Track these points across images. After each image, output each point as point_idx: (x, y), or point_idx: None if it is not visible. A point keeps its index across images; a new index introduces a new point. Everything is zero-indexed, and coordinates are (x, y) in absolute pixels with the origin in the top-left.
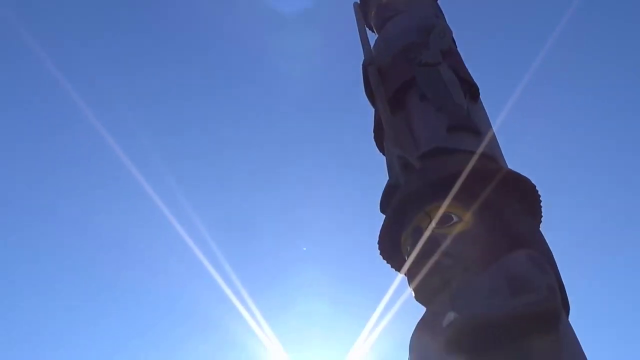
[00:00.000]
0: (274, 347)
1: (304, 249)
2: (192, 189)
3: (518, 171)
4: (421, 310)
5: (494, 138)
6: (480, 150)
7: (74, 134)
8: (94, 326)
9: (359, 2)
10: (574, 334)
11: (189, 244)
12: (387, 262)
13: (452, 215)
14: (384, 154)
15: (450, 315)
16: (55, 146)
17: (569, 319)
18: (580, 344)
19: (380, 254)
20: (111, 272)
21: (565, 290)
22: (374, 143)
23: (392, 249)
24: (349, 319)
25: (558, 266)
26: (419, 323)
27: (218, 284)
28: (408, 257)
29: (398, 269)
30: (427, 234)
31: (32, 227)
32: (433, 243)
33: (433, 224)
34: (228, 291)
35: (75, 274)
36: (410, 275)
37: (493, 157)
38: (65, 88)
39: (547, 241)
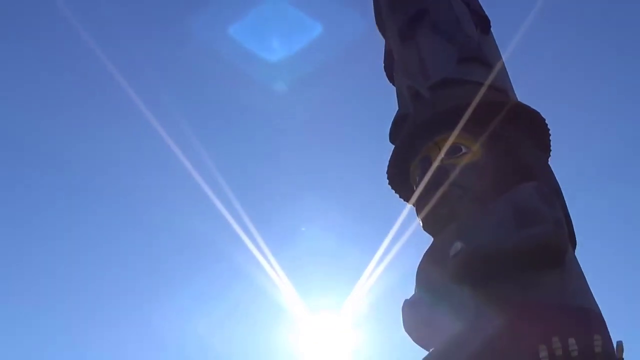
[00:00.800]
0: (280, 279)
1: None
2: (199, 123)
3: (528, 104)
4: (429, 241)
5: (504, 70)
6: (489, 81)
7: (83, 72)
8: (100, 259)
9: None
10: (580, 268)
11: (194, 176)
12: (396, 192)
13: (461, 146)
14: (394, 85)
15: (457, 245)
16: (65, 83)
17: (575, 253)
18: (586, 278)
19: (389, 183)
20: (118, 204)
21: (572, 225)
22: (384, 73)
23: (400, 179)
24: (356, 251)
25: (565, 200)
26: (425, 253)
27: (223, 214)
28: (417, 187)
29: (406, 199)
30: (436, 164)
31: (44, 167)
32: (442, 173)
33: (442, 154)
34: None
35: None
36: (418, 206)
37: (503, 89)
38: (72, 23)
39: (556, 175)
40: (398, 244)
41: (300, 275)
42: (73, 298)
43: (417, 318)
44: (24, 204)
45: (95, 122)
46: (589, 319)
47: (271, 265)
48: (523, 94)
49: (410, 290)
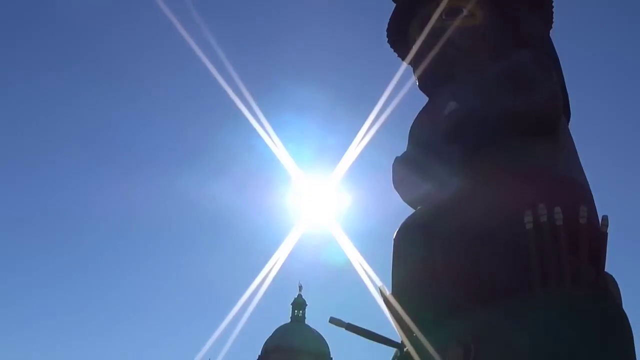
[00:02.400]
0: (271, 140)
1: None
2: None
3: None
4: (424, 101)
5: None
6: None
7: None
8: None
9: None
10: (572, 140)
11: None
12: (394, 51)
13: (463, 9)
14: None
15: (452, 105)
16: None
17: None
18: (578, 153)
19: (388, 41)
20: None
21: (567, 98)
22: None
23: (399, 37)
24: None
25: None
26: (420, 112)
27: (210, 72)
28: (414, 45)
29: (403, 58)
30: (436, 23)
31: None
32: (440, 32)
33: (443, 14)
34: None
35: None
36: (415, 64)
37: None
38: None
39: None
40: (393, 103)
41: (293, 136)
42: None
43: (406, 174)
44: None
45: None
46: (576, 190)
47: (267, 133)
48: None
49: (403, 149)
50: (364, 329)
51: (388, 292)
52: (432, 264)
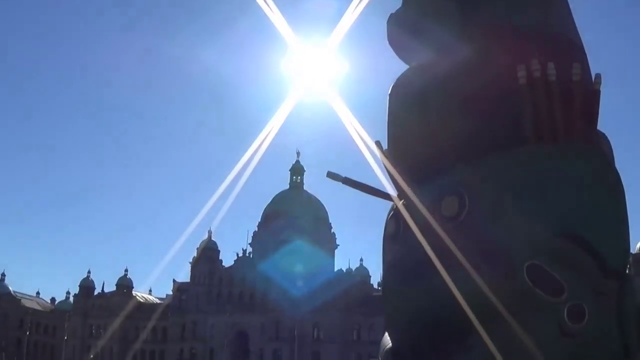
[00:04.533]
0: (265, 3)
1: None
2: None
3: None
4: None
5: None
6: None
7: None
8: None
9: None
10: (567, 2)
11: None
12: None
13: None
14: None
15: None
16: None
17: None
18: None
19: None
20: None
21: None
22: None
23: None
24: None
25: None
26: None
27: None
28: None
29: None
30: None
31: None
32: None
33: None
34: None
35: None
36: None
37: None
38: None
39: None
40: None
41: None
42: None
43: (401, 30)
44: None
45: None
46: (571, 47)
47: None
48: None
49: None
50: (361, 182)
51: (385, 148)
52: (428, 123)
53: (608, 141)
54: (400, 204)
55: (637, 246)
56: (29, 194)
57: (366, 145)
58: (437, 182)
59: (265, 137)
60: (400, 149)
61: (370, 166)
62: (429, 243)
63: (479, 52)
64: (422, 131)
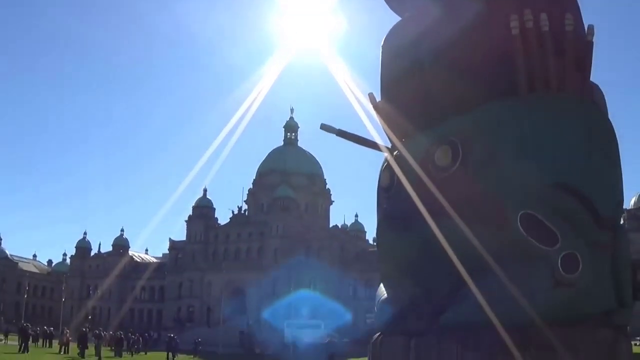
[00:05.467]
0: None
1: None
2: None
3: None
4: None
5: None
6: None
7: None
8: None
9: None
10: None
11: None
12: None
13: None
14: None
15: None
16: None
17: None
18: None
19: None
20: None
21: None
22: None
23: None
24: None
25: None
26: None
27: None
28: None
29: None
30: None
31: None
32: None
33: None
34: None
35: None
36: None
37: None
38: None
39: None
40: None
41: None
42: None
43: None
44: None
45: None
46: None
47: None
48: None
49: None
50: (355, 134)
51: (378, 100)
52: (420, 73)
53: (601, 92)
54: (391, 156)
55: (632, 202)
56: (24, 150)
57: (358, 100)
58: (430, 132)
59: (258, 95)
60: (393, 99)
61: (364, 121)
62: (422, 194)
63: (471, 1)
64: (414, 81)
